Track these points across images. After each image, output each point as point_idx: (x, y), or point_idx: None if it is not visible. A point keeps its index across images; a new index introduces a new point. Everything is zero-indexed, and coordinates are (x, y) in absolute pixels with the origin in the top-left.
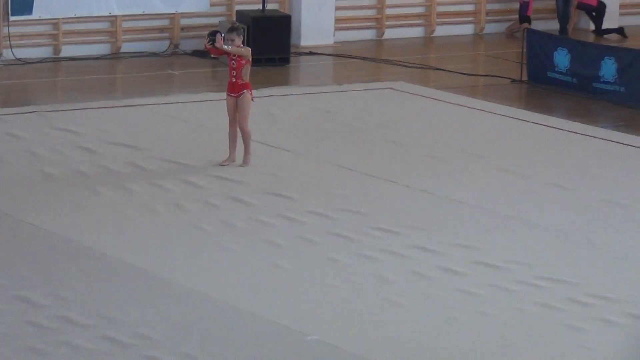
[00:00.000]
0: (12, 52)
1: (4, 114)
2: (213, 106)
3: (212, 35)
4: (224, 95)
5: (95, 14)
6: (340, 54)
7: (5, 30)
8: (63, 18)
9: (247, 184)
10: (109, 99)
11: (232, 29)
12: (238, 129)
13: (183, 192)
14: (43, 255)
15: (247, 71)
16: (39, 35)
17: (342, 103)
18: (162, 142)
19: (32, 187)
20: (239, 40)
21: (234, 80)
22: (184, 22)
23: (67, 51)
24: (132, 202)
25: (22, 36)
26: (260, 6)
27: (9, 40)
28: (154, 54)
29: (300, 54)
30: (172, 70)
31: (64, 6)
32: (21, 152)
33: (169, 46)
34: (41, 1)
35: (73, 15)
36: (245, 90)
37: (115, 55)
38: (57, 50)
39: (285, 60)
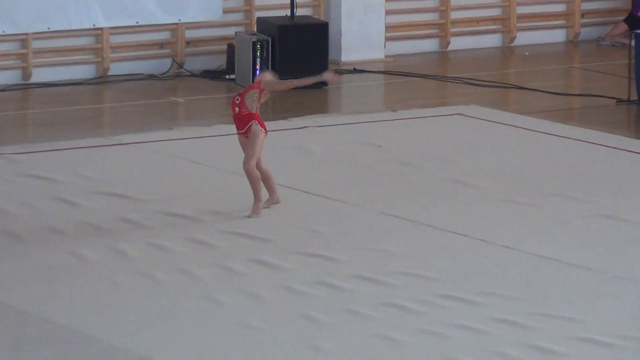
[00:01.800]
0: None
1: None
2: (227, 142)
3: None
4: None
5: (76, 27)
6: (394, 71)
7: None
8: (33, 33)
9: (274, 242)
10: (94, 136)
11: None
12: (265, 168)
13: (191, 254)
14: (13, 339)
15: (254, 98)
16: (3, 55)
17: (396, 135)
18: (163, 191)
19: None
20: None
21: (237, 110)
22: (190, 34)
23: (39, 75)
24: (125, 268)
25: None
26: (288, 12)
27: None
28: (152, 77)
29: (342, 72)
30: (176, 97)
31: (34, 18)
32: None
33: (172, 66)
34: (4, 11)
35: (46, 29)
36: (252, 122)
37: (102, 79)
38: (26, 74)
39: (322, 82)
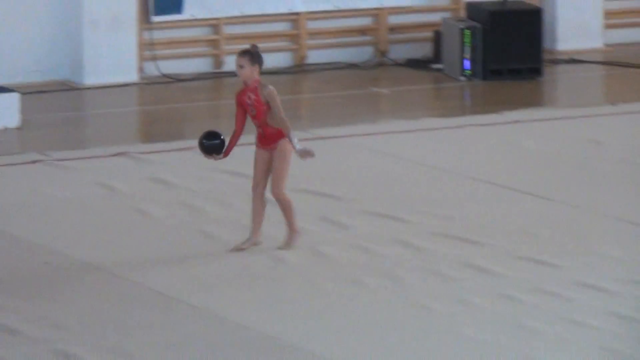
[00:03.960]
0: (156, 66)
1: (148, 152)
2: (435, 137)
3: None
4: (450, 121)
5: (270, 12)
6: (614, 61)
7: (146, 35)
8: (225, 18)
9: (488, 246)
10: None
11: (244, 52)
12: (266, 197)
13: (399, 257)
14: (209, 344)
15: (273, 115)
16: (193, 42)
17: (617, 130)
18: (366, 189)
19: (188, 259)
20: (250, 70)
21: (260, 131)
22: (394, 20)
23: (232, 63)
24: (329, 272)
25: (169, 44)
26: None
27: (152, 50)
28: (353, 66)
29: (557, 62)
30: (379, 88)
31: (225, 1)
32: (174, 204)
33: (374, 54)
34: None
35: (239, 14)
36: (282, 140)
37: (299, 68)
38: (217, 62)
39: (536, 72)
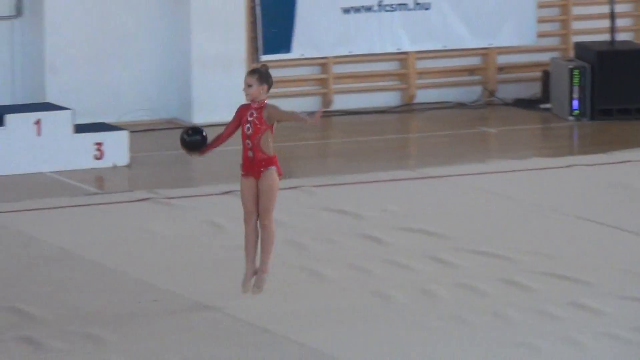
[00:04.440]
0: None
1: None
2: (544, 177)
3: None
4: (558, 161)
5: (378, 51)
6: None
7: None
8: (334, 57)
9: (594, 285)
10: (399, 169)
11: (253, 71)
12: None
13: (505, 296)
14: None
15: (268, 139)
16: (302, 80)
17: None
18: (473, 228)
19: (297, 292)
20: (258, 90)
21: (250, 154)
22: (502, 60)
23: (340, 102)
24: (435, 311)
25: (277, 82)
26: (607, 36)
27: None
28: (461, 105)
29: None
30: (487, 128)
31: (334, 41)
32: (281, 242)
33: (482, 94)
34: (304, 35)
35: (347, 53)
36: (271, 167)
37: (407, 107)
38: (326, 100)
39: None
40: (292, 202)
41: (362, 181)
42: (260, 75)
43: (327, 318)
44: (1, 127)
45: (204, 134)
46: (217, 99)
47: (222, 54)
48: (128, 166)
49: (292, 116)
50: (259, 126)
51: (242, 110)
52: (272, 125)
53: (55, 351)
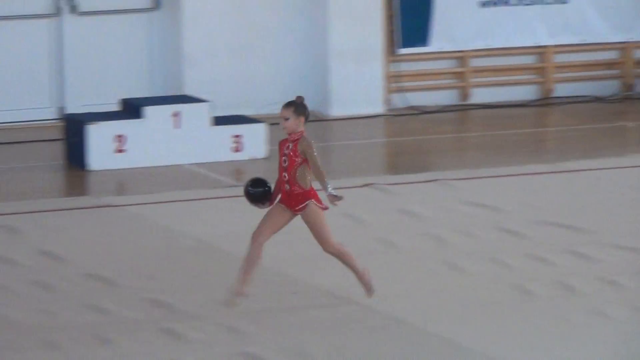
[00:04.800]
0: (403, 98)
1: (394, 183)
2: None
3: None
4: None
5: (516, 45)
6: None
7: (393, 67)
8: (471, 50)
9: None
10: (536, 162)
11: (289, 104)
12: (262, 250)
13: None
14: None
15: (305, 172)
16: (439, 74)
17: None
18: (615, 222)
19: (437, 285)
20: (295, 122)
21: (287, 187)
22: None
23: (478, 96)
24: (576, 305)
25: (415, 75)
26: None
27: (398, 82)
28: (599, 99)
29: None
30: (625, 122)
31: (472, 34)
32: (419, 235)
33: (620, 88)
34: (442, 28)
35: (485, 47)
36: (309, 202)
37: (545, 101)
38: (464, 94)
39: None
40: (431, 195)
41: (501, 174)
42: (296, 107)
43: (467, 311)
44: (140, 120)
45: (268, 184)
46: (355, 92)
47: (359, 48)
48: (266, 159)
49: (318, 171)
50: (294, 159)
51: (281, 145)
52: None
53: (196, 342)
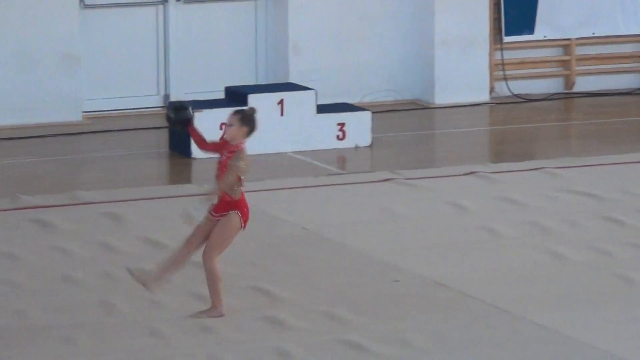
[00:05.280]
0: (507, 86)
1: (498, 171)
2: None
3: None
4: None
5: (622, 33)
6: None
7: (498, 55)
8: (577, 39)
9: None
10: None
11: (237, 112)
12: (187, 259)
13: None
14: None
15: (234, 187)
16: (545, 62)
17: None
18: None
19: (539, 273)
20: (237, 131)
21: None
22: None
23: (582, 84)
24: None
25: (520, 64)
26: None
27: (503, 70)
28: None
29: None
30: None
31: (577, 22)
32: (522, 223)
33: None
34: (546, 17)
35: (590, 35)
36: (232, 212)
37: None
38: (569, 82)
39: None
40: (534, 183)
41: (605, 163)
42: (243, 117)
43: (568, 299)
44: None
45: (189, 114)
46: (459, 79)
47: (464, 35)
48: (370, 147)
49: (223, 183)
50: (223, 169)
51: (222, 145)
52: None
53: (298, 330)
